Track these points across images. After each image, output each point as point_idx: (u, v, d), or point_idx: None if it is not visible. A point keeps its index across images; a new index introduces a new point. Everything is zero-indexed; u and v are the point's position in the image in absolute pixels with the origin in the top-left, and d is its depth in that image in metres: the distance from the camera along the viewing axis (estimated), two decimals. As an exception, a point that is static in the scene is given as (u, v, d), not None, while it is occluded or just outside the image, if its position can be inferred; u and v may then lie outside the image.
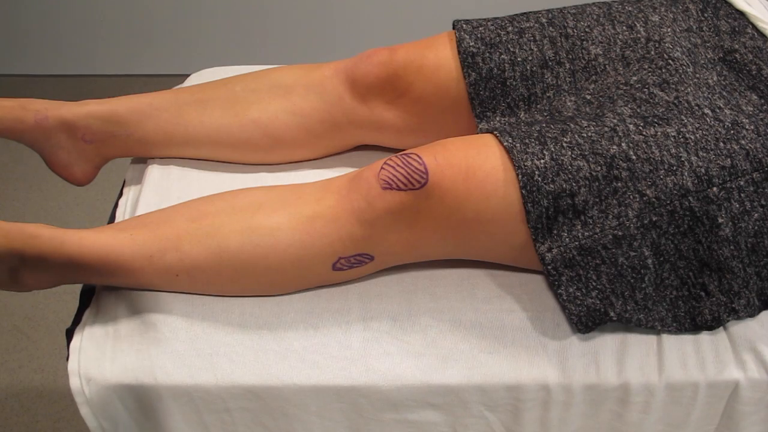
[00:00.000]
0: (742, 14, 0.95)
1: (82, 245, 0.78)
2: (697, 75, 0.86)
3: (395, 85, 0.95)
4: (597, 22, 0.92)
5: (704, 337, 0.81)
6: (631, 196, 0.76)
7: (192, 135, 0.99)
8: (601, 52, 0.89)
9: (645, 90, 0.83)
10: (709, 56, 0.90)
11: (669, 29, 0.90)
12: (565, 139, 0.78)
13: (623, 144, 0.77)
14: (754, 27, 0.93)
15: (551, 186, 0.76)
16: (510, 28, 0.93)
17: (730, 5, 0.96)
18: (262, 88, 0.99)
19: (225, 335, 0.80)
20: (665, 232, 0.77)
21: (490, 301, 0.83)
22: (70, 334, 0.82)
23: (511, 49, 0.91)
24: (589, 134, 0.78)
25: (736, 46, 0.91)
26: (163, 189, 0.97)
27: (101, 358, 0.78)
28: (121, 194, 1.01)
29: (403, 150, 0.81)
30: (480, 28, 0.93)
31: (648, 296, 0.79)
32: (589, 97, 0.86)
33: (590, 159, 0.77)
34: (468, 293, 0.84)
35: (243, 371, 0.77)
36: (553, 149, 0.77)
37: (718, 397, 0.79)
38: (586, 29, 0.91)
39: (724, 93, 0.84)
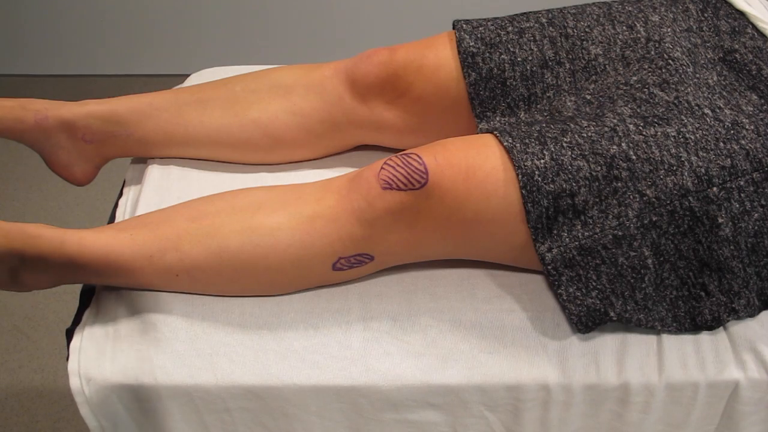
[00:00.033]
0: (742, 14, 0.95)
1: (82, 245, 0.78)
2: (697, 75, 0.86)
3: (395, 85, 0.95)
4: (597, 22, 0.92)
5: (704, 337, 0.81)
6: (631, 196, 0.76)
7: (192, 135, 0.99)
8: (601, 52, 0.89)
9: (645, 90, 0.83)
10: (709, 56, 0.90)
11: (669, 29, 0.90)
12: (565, 139, 0.78)
13: (623, 144, 0.77)
14: (754, 27, 0.93)
15: (551, 186, 0.76)
16: (510, 28, 0.93)
17: (730, 5, 0.96)
18: (262, 88, 0.99)
19: (225, 335, 0.80)
20: (665, 232, 0.77)
21: (490, 301, 0.83)
22: (70, 334, 0.82)
23: (511, 49, 0.91)
24: (589, 134, 0.78)
25: (736, 46, 0.91)
26: (163, 189, 0.97)
27: (101, 358, 0.78)
28: (121, 194, 1.01)
29: (403, 150, 0.81)
30: (480, 28, 0.93)
31: (648, 296, 0.79)
32: (589, 97, 0.86)
33: (590, 159, 0.77)
34: (468, 293, 0.84)
35: (243, 371, 0.77)
36: (553, 149, 0.77)
37: (718, 397, 0.79)
38: (586, 29, 0.91)
39: (724, 93, 0.85)
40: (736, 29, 0.93)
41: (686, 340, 0.80)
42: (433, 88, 0.94)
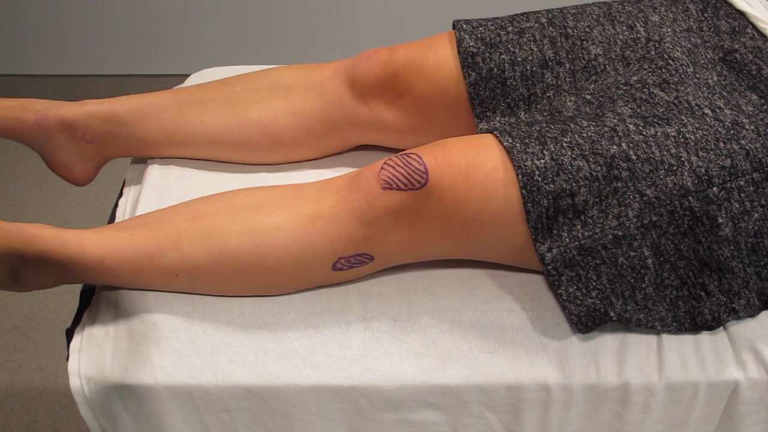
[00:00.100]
0: (742, 14, 0.95)
1: (82, 245, 0.78)
2: (697, 75, 0.86)
3: (395, 85, 0.95)
4: (597, 22, 0.92)
5: (704, 337, 0.81)
6: (631, 196, 0.76)
7: (192, 135, 0.99)
8: (601, 52, 0.89)
9: (645, 90, 0.83)
10: (709, 56, 0.90)
11: (669, 29, 0.90)
12: (565, 139, 0.78)
13: (623, 144, 0.77)
14: (754, 27, 0.93)
15: (551, 186, 0.76)
16: (510, 28, 0.93)
17: (730, 5, 0.96)
18: (262, 88, 0.99)
19: (225, 335, 0.80)
20: (665, 232, 0.77)
21: (490, 301, 0.83)
22: (70, 334, 0.82)
23: (511, 49, 0.91)
24: (589, 134, 0.78)
25: (736, 46, 0.91)
26: (163, 189, 0.97)
27: (101, 358, 0.78)
28: (121, 194, 1.01)
29: (403, 150, 0.81)
30: (480, 28, 0.93)
31: (648, 296, 0.79)
32: (589, 97, 0.86)
33: (590, 159, 0.77)
34: (468, 293, 0.84)
35: (243, 371, 0.77)
36: (553, 149, 0.77)
37: (718, 397, 0.79)
38: (586, 29, 0.91)
39: (724, 93, 0.85)
40: (736, 29, 0.93)
41: (686, 340, 0.80)
42: (433, 88, 0.94)
